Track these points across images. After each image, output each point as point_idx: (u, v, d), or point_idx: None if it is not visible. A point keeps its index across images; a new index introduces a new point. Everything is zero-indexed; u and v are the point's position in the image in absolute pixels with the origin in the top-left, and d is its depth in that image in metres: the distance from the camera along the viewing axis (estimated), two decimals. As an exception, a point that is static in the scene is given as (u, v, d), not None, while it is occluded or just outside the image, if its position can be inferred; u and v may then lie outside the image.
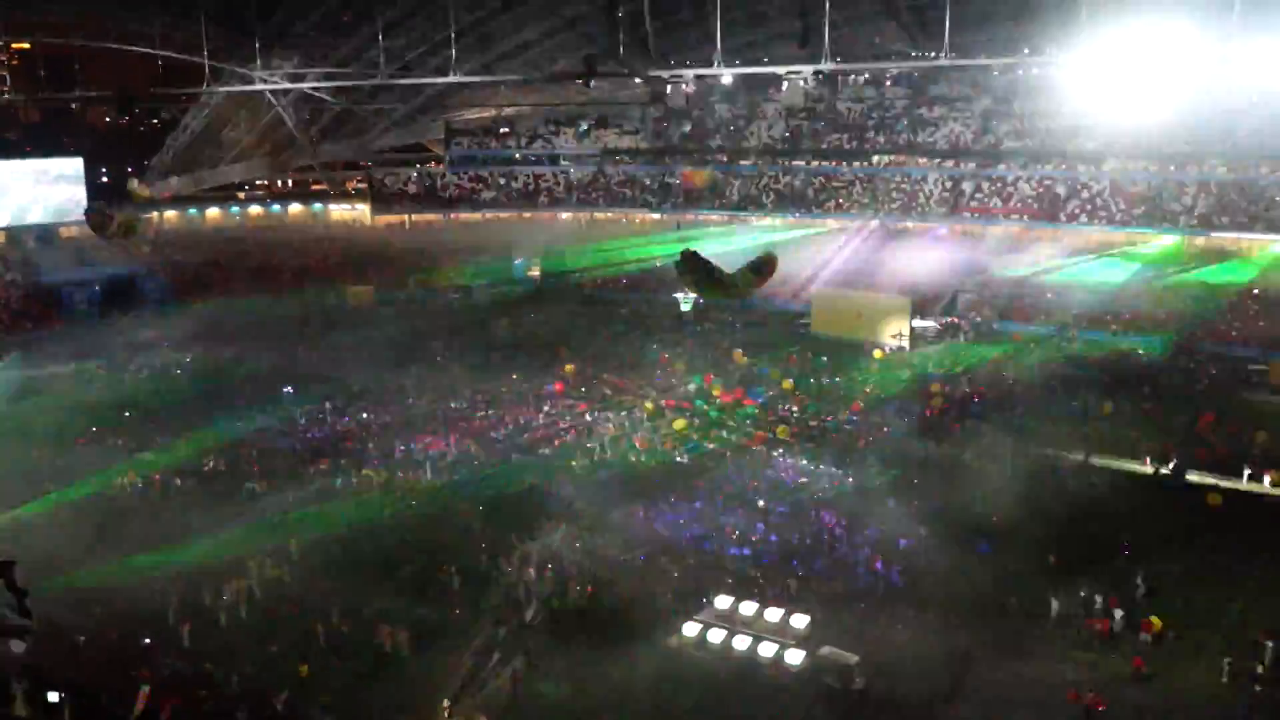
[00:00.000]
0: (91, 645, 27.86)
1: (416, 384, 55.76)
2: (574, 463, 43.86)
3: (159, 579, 32.38)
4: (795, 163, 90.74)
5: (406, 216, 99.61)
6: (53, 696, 14.76)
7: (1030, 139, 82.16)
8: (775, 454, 44.51)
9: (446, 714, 25.63)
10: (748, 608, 30.90)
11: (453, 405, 51.95)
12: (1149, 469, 42.70)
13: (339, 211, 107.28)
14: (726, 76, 73.09)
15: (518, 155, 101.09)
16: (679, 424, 48.10)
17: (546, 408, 51.47)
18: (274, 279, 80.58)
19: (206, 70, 58.36)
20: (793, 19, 51.87)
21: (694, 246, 34.57)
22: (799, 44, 46.65)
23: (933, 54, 71.57)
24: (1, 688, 12.65)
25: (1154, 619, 29.96)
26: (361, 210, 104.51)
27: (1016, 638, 29.98)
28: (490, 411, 50.92)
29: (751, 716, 26.42)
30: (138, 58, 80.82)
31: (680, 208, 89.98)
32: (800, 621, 30.10)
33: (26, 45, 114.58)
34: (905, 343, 63.96)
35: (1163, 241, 74.24)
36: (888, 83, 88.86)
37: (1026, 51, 68.46)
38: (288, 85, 77.47)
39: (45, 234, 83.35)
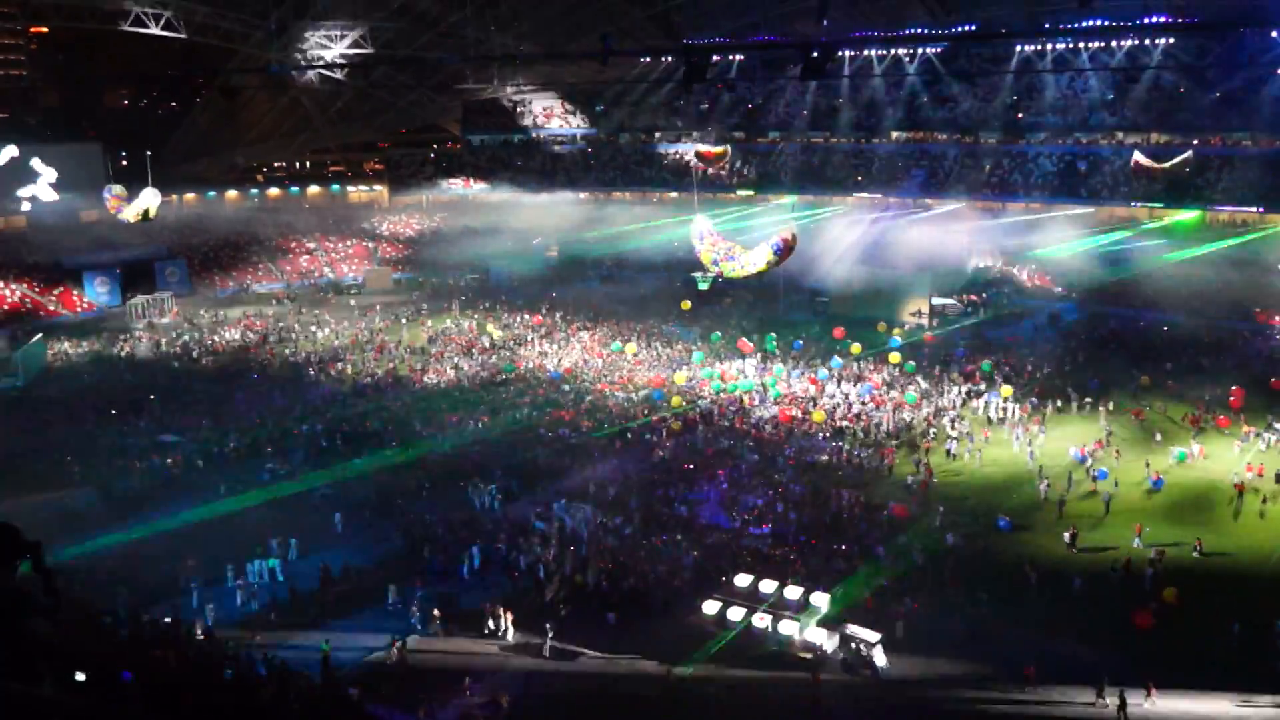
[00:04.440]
0: (117, 624, 28.11)
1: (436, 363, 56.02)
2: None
3: (182, 559, 32.62)
4: (814, 140, 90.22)
5: (425, 197, 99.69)
6: (80, 676, 14.83)
7: (1052, 114, 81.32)
8: (795, 432, 44.41)
9: (468, 692, 25.81)
10: (767, 585, 30.95)
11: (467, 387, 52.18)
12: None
13: (357, 192, 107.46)
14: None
15: (535, 134, 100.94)
16: (675, 400, 48.11)
17: (565, 387, 51.57)
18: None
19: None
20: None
21: (712, 224, 34.55)
22: (817, 19, 46.35)
23: (953, 28, 71.14)
24: (29, 668, 12.72)
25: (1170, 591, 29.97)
26: (379, 191, 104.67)
27: (1038, 614, 29.92)
28: (511, 388, 51.14)
29: (772, 694, 26.45)
30: (157, 40, 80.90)
31: (698, 186, 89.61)
32: (820, 599, 30.13)
33: (45, 30, 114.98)
34: (925, 320, 63.75)
35: (1185, 216, 73.53)
36: (907, 58, 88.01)
37: (1047, 25, 67.83)
38: (304, 66, 77.52)
39: (66, 217, 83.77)
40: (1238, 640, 27.64)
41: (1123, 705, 24.76)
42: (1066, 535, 34.17)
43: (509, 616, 29.45)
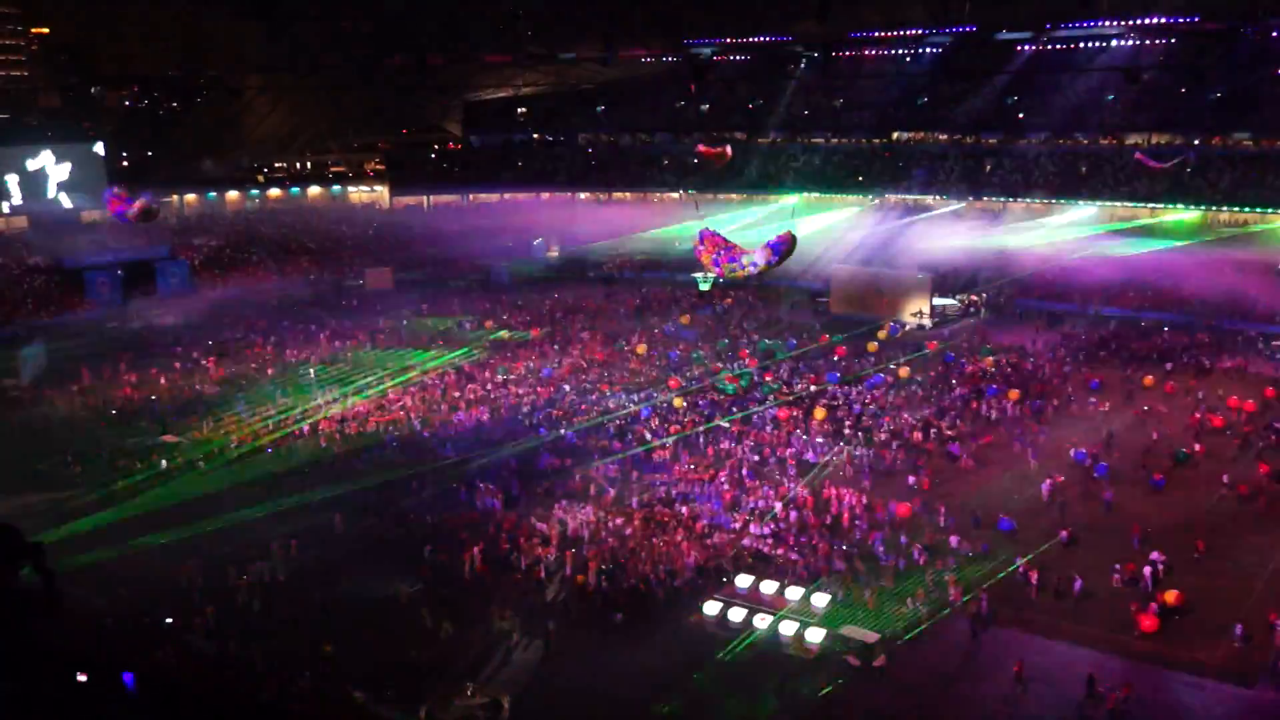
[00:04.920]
0: (118, 626, 28.16)
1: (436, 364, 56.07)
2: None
3: (183, 560, 32.66)
4: (814, 140, 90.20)
5: (425, 198, 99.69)
6: (81, 677, 14.87)
7: (1053, 114, 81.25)
8: (796, 432, 44.35)
9: (469, 694, 25.83)
10: (768, 586, 30.97)
11: (472, 385, 52.10)
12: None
13: (358, 193, 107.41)
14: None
15: (536, 134, 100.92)
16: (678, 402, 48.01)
17: (568, 387, 51.54)
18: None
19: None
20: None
21: (712, 225, 34.62)
22: (817, 17, 46.26)
23: (954, 28, 71.18)
24: (30, 669, 12.78)
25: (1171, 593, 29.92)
26: (380, 192, 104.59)
27: (1039, 614, 29.92)
28: (514, 390, 51.10)
29: (773, 694, 26.47)
30: (157, 40, 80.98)
31: (699, 186, 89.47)
32: (820, 600, 30.14)
33: (45, 30, 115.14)
34: (926, 321, 63.75)
35: (1186, 215, 73.58)
36: (907, 57, 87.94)
37: (1048, 25, 67.85)
38: (308, 65, 77.55)
39: (67, 218, 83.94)
40: (1241, 641, 27.67)
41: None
42: (1063, 534, 34.27)
43: (514, 618, 29.48)
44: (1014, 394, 47.95)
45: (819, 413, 45.70)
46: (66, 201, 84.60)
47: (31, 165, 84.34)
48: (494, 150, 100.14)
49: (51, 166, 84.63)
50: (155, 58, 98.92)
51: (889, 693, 26.51)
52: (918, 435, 43.93)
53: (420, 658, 28.00)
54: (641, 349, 57.16)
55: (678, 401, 47.72)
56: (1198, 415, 45.67)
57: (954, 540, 33.88)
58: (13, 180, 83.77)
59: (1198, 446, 42.02)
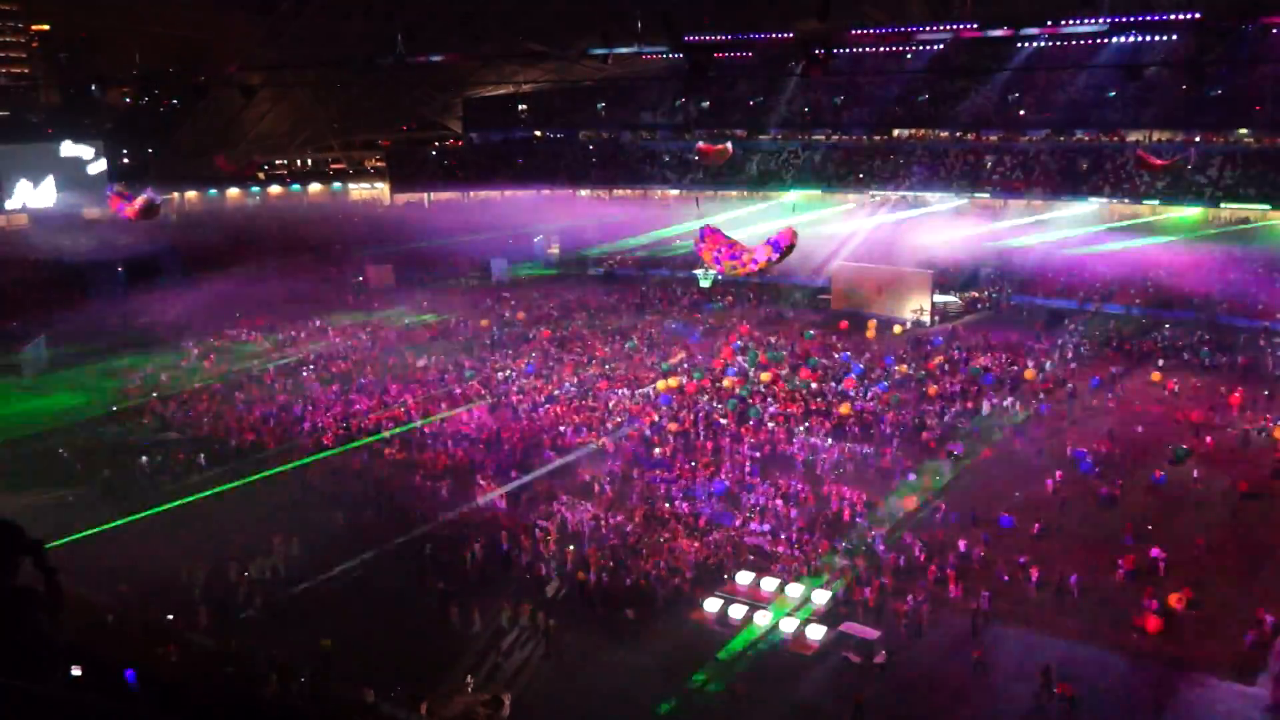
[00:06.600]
0: (119, 621, 28.19)
1: (438, 363, 56.10)
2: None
3: (184, 556, 32.67)
4: (815, 137, 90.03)
5: (426, 195, 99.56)
6: (76, 671, 14.84)
7: (1053, 110, 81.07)
8: (799, 430, 44.34)
9: (470, 690, 25.84)
10: (769, 583, 30.96)
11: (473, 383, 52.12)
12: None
13: (358, 190, 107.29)
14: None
15: (536, 132, 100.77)
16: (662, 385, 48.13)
17: (567, 385, 51.51)
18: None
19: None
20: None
21: (714, 222, 34.69)
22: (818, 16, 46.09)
23: (955, 24, 71.06)
24: (32, 665, 12.80)
25: (1176, 596, 29.86)
26: (381, 189, 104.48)
27: (1036, 611, 29.93)
28: (511, 389, 51.06)
29: (773, 692, 26.49)
30: (157, 38, 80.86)
31: (700, 184, 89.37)
32: (821, 597, 30.14)
33: (46, 27, 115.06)
34: (926, 317, 63.72)
35: (1187, 212, 73.43)
36: (908, 55, 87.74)
37: (1049, 22, 67.65)
38: (307, 64, 77.44)
39: (68, 216, 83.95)
40: (1245, 640, 27.67)
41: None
42: (1035, 528, 34.30)
43: (525, 613, 29.50)
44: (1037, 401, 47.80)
45: (844, 408, 45.69)
46: (67, 199, 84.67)
47: (32, 163, 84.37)
48: (494, 147, 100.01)
49: (52, 164, 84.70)
50: (155, 56, 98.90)
51: (890, 689, 26.52)
52: (923, 434, 43.98)
53: (421, 654, 28.02)
54: (674, 381, 56.76)
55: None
56: (1181, 414, 45.64)
57: (962, 543, 33.87)
58: (17, 180, 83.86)
59: (1208, 440, 41.99)
